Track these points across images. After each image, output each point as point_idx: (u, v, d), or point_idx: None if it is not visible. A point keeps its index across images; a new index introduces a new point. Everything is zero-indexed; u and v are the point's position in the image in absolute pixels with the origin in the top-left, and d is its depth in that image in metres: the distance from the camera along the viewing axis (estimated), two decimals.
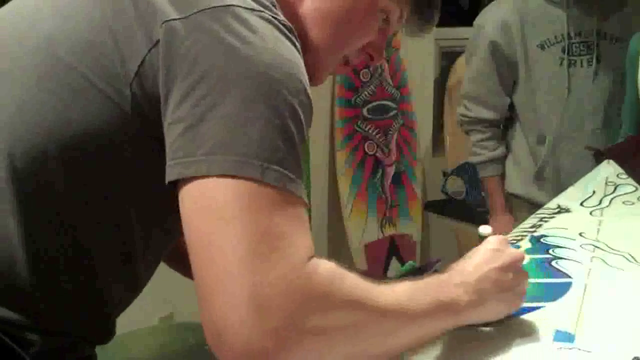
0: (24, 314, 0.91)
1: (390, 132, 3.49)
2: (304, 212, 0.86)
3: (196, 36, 0.86)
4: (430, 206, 3.62)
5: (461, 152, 3.28)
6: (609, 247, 1.36)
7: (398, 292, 0.91)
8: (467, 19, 3.99)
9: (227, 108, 0.83)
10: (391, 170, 3.49)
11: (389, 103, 3.49)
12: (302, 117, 0.88)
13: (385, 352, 0.89)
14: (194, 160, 0.83)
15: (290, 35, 0.93)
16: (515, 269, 1.03)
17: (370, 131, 3.42)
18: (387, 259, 3.48)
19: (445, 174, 3.57)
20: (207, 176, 0.81)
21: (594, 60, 2.29)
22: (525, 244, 1.40)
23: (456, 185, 3.53)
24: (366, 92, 3.39)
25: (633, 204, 1.63)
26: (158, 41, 0.87)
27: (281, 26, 0.92)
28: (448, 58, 3.81)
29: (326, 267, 0.84)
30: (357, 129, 3.39)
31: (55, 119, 0.89)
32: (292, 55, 0.90)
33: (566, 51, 2.29)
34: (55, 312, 0.94)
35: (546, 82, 2.32)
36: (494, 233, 1.14)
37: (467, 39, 2.57)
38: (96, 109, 0.89)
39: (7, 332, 0.90)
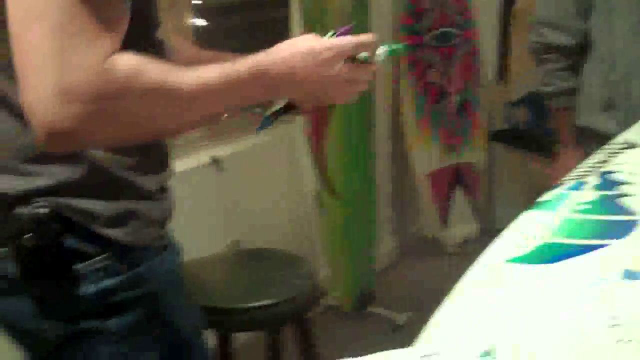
0: None
1: (454, 59, 3.44)
2: (114, 8, 0.96)
3: None
4: (495, 135, 3.58)
5: (526, 80, 3.23)
6: None
7: (207, 71, 1.01)
8: None
9: None
10: (455, 99, 3.45)
11: (452, 30, 3.43)
12: None
13: (187, 124, 1.08)
14: None
15: None
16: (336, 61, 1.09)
17: (433, 59, 3.38)
18: (451, 187, 3.48)
19: (510, 103, 3.52)
20: None
21: None
22: (592, 179, 1.38)
23: (521, 115, 3.48)
24: (429, 19, 3.34)
25: None
26: None
27: None
28: None
29: (126, 61, 0.94)
30: (420, 56, 3.35)
31: None
32: None
33: None
34: None
35: (623, 7, 2.25)
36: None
37: None
38: None
39: None
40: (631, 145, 1.57)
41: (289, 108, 1.22)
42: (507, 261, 0.98)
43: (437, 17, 3.37)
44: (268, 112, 1.22)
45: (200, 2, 2.55)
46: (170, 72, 0.99)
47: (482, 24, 3.54)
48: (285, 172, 2.85)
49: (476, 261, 0.98)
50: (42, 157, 1.03)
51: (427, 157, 3.38)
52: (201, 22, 2.56)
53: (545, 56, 2.44)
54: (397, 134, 3.39)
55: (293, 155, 2.77)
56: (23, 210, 1.05)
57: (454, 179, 3.49)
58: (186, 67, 1.01)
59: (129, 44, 0.98)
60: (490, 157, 3.62)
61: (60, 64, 0.90)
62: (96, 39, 0.93)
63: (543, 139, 3.28)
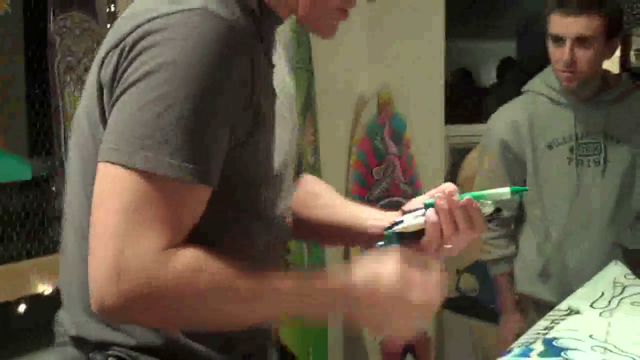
0: None
1: None
2: (187, 199, 0.98)
3: None
4: (445, 303, 3.60)
5: (473, 247, 3.30)
6: (618, 349, 1.37)
7: (281, 281, 1.04)
8: (476, 116, 4.08)
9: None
10: None
11: (402, 200, 3.52)
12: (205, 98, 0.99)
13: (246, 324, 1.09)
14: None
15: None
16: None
17: None
18: (402, 355, 3.46)
19: (458, 271, 3.59)
20: (103, 161, 0.98)
21: (602, 161, 2.32)
22: (538, 346, 1.42)
23: (470, 283, 3.55)
24: (379, 189, 3.44)
25: None
26: None
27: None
28: (458, 154, 3.87)
29: (187, 256, 0.97)
30: None
31: None
32: None
33: (574, 151, 2.33)
34: None
35: (554, 181, 2.36)
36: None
37: (476, 135, 2.62)
38: None
39: None
40: (575, 312, 1.62)
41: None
42: None
43: (387, 188, 3.47)
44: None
45: None
46: (237, 275, 1.00)
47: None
48: None
49: None
50: None
51: None
52: None
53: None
54: None
55: None
56: (97, 356, 1.09)
57: (405, 346, 3.48)
58: (260, 272, 1.03)
59: (219, 223, 1.05)
60: (439, 323, 3.63)
61: (121, 245, 0.94)
62: (160, 227, 0.96)
63: (488, 306, 3.33)
